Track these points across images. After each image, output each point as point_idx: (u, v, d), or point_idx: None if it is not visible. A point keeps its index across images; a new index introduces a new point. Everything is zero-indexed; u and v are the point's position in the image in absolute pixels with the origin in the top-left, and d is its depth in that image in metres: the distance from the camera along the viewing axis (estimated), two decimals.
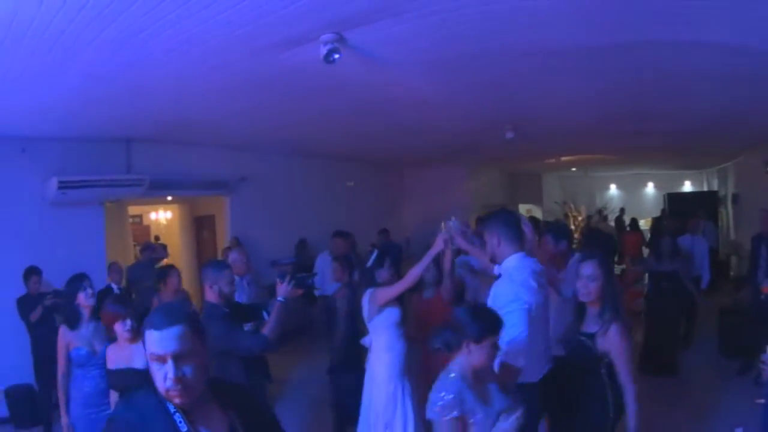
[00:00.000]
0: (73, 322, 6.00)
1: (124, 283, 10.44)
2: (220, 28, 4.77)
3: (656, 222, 21.11)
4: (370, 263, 6.68)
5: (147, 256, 11.90)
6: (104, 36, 4.74)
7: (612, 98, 8.63)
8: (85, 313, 5.96)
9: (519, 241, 4.80)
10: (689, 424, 7.38)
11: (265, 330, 5.25)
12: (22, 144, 9.25)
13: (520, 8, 4.84)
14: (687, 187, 27.00)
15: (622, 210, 25.28)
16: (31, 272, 8.72)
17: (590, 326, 4.54)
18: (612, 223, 23.75)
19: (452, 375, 3.59)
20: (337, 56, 5.21)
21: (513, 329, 4.18)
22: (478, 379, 3.69)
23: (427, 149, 13.97)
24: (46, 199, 9.50)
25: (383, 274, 6.47)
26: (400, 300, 6.51)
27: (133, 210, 16.07)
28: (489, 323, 3.71)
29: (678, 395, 8.15)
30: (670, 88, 7.99)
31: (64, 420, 6.04)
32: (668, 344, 9.75)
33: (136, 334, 5.27)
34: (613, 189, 28.40)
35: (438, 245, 5.95)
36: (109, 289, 9.56)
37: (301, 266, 12.27)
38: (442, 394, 3.52)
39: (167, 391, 2.46)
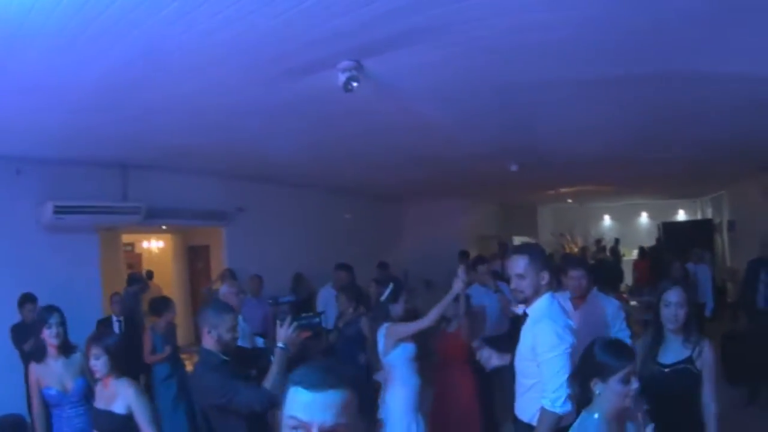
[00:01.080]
0: (38, 356, 5.66)
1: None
2: (238, 52, 4.72)
3: (654, 251, 21.19)
4: (384, 297, 6.57)
5: (135, 288, 11.73)
6: (113, 54, 4.65)
7: (620, 127, 8.62)
8: (51, 349, 5.58)
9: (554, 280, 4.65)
10: None
11: (266, 383, 4.58)
12: (16, 165, 9.09)
13: (535, 41, 4.83)
14: (681, 215, 27.09)
15: (617, 240, 25.37)
16: (26, 300, 8.53)
17: (669, 356, 4.46)
18: (608, 254, 23.79)
19: (596, 416, 3.43)
20: (355, 84, 5.14)
21: (561, 374, 4.08)
22: (620, 417, 3.53)
23: (429, 181, 13.94)
24: (41, 223, 9.34)
25: (397, 309, 6.47)
26: (414, 335, 6.40)
27: (125, 238, 15.90)
28: (630, 356, 3.57)
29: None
30: (681, 117, 8.01)
31: None
32: None
33: (113, 373, 4.95)
34: (607, 219, 28.47)
35: (457, 287, 5.92)
36: (108, 319, 9.45)
37: (301, 303, 12.16)
38: None
39: None
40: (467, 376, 7.04)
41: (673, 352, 4.44)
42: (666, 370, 4.38)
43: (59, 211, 9.05)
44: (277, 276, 12.50)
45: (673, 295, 4.45)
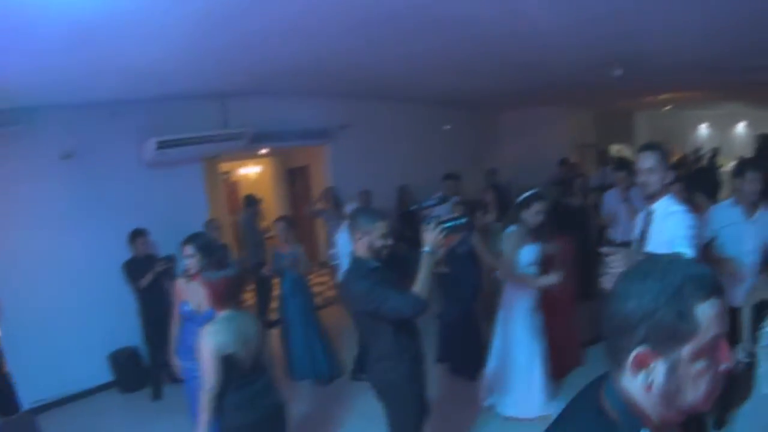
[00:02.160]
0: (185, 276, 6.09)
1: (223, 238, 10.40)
2: None
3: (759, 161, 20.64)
4: (520, 200, 6.61)
5: (252, 210, 11.96)
6: None
7: (728, 33, 8.35)
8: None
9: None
10: None
11: (415, 288, 4.54)
12: (116, 107, 9.20)
13: None
14: None
15: (715, 150, 24.72)
16: (138, 234, 8.76)
17: None
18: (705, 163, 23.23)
19: None
20: None
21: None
22: None
23: (530, 89, 13.69)
24: (145, 160, 9.51)
25: (529, 215, 6.50)
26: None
27: (222, 166, 16.07)
28: None
29: None
30: None
31: (174, 364, 6.30)
32: None
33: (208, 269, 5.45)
34: (703, 128, 27.80)
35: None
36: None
37: (406, 213, 12.20)
38: None
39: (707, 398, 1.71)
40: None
41: None
42: None
43: (162, 145, 9.15)
44: (381, 189, 12.56)
45: None
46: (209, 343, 4.45)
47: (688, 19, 7.31)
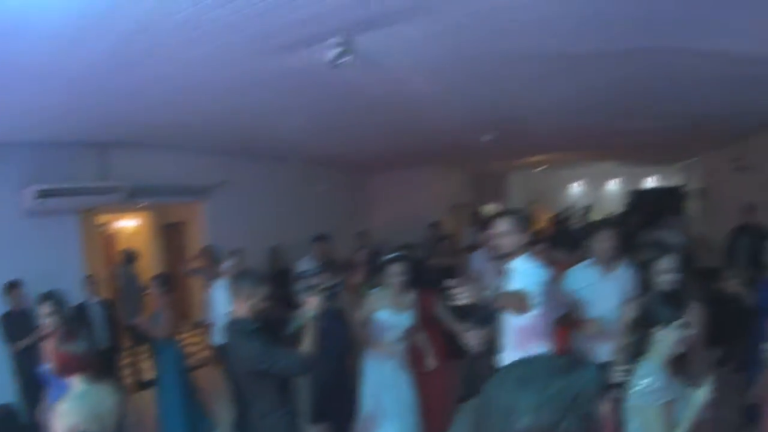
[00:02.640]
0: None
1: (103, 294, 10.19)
2: (230, 29, 4.77)
3: (621, 218, 21.49)
4: (381, 262, 6.90)
5: (132, 266, 11.83)
6: (106, 37, 4.72)
7: (594, 99, 8.76)
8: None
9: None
10: None
11: (303, 348, 4.98)
12: None
13: (516, 19, 5.00)
14: (651, 182, 27.30)
15: (588, 208, 25.53)
16: (12, 286, 8.54)
17: None
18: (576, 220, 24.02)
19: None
20: (344, 60, 5.27)
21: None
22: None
23: (406, 150, 14.03)
24: (22, 208, 9.22)
25: (390, 278, 6.74)
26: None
27: (99, 218, 15.75)
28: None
29: None
30: (654, 90, 8.18)
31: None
32: None
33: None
34: (577, 186, 28.63)
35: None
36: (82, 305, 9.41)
37: (278, 273, 12.29)
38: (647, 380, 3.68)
39: None
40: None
41: None
42: None
43: (42, 194, 8.96)
44: (256, 249, 12.53)
45: (667, 262, 4.97)
46: (60, 425, 4.32)
47: (557, 86, 7.64)
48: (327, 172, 16.81)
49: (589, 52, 6.06)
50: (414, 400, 6.92)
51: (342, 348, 8.27)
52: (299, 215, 15.04)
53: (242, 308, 5.01)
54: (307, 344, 4.99)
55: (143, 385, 10.31)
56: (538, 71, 6.84)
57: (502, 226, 5.11)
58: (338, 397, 8.21)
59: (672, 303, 3.96)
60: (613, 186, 28.36)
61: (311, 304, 5.12)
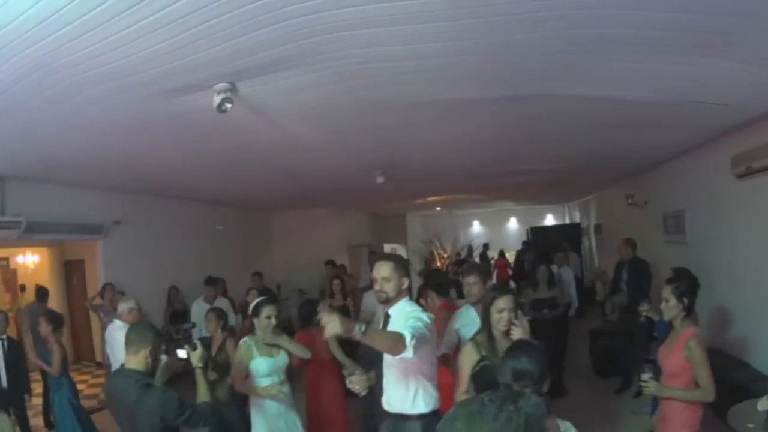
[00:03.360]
0: None
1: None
2: (121, 73, 4.80)
3: (519, 254, 21.92)
4: (251, 309, 6.91)
5: (43, 303, 11.61)
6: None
7: (484, 145, 8.95)
8: None
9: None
10: None
11: (201, 402, 4.93)
12: None
13: (400, 69, 5.10)
14: (549, 220, 27.95)
15: (486, 245, 25.98)
16: None
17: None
18: (477, 259, 24.49)
19: None
20: (229, 106, 5.30)
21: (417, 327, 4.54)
22: None
23: (299, 193, 14.11)
24: None
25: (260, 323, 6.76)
26: None
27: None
28: None
29: (571, 414, 8.58)
30: (544, 134, 8.38)
31: None
32: (555, 368, 10.04)
33: None
34: (476, 225, 29.09)
35: None
36: None
37: (176, 313, 12.22)
38: None
39: None
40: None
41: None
42: None
43: None
44: (154, 287, 12.48)
45: (505, 302, 4.87)
46: None
47: (445, 131, 7.79)
48: (227, 210, 16.87)
49: (476, 99, 6.19)
50: None
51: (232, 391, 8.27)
52: (197, 254, 15.01)
53: (140, 360, 4.76)
54: (202, 394, 4.99)
55: (51, 425, 10.03)
56: (424, 117, 6.96)
57: (383, 270, 4.98)
58: None
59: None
60: (513, 224, 28.88)
61: (196, 357, 5.11)
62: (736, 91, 6.15)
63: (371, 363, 5.51)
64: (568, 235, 21.97)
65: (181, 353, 5.22)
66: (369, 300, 10.18)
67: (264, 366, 6.61)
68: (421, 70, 5.19)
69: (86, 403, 9.56)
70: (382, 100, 6.09)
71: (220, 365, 7.73)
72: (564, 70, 5.36)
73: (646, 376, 5.16)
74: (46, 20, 3.68)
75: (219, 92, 5.22)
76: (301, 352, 6.82)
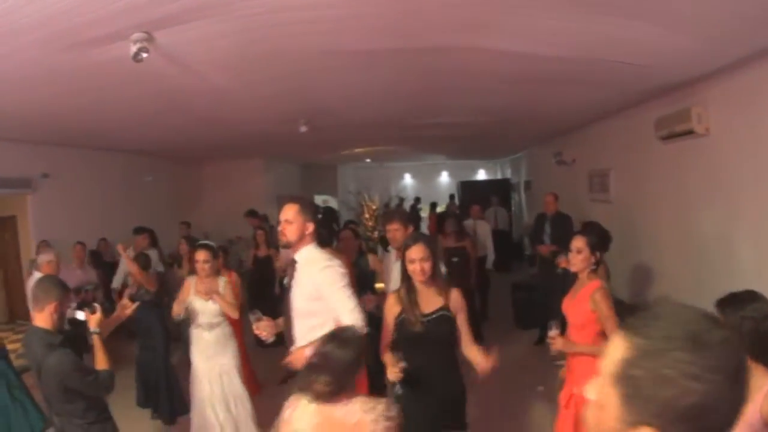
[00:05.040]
0: None
1: None
2: (37, 26, 4.80)
3: (447, 207, 22.14)
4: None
5: None
6: None
7: (402, 95, 9.00)
8: None
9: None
10: (500, 387, 8.00)
11: (101, 365, 4.73)
12: None
13: (311, 17, 5.13)
14: (481, 175, 28.12)
15: (417, 199, 26.15)
16: None
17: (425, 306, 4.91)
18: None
19: None
20: (145, 55, 5.27)
21: (353, 299, 4.74)
22: None
23: (226, 142, 14.08)
24: None
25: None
26: None
27: None
28: None
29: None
30: (456, 86, 8.41)
31: None
32: (470, 316, 10.31)
33: None
34: (407, 178, 29.23)
35: None
36: None
37: (105, 264, 12.18)
38: None
39: None
40: None
41: (428, 302, 4.86)
42: (425, 319, 4.76)
43: None
44: (86, 243, 11.99)
45: (415, 252, 4.83)
46: None
47: (358, 79, 7.81)
48: (155, 161, 16.79)
49: (388, 49, 6.24)
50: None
51: (163, 335, 8.42)
52: (127, 206, 14.93)
53: (46, 318, 4.63)
54: (100, 361, 4.78)
55: None
56: (338, 66, 6.98)
57: (287, 213, 4.91)
58: (164, 385, 8.35)
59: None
60: (444, 178, 29.06)
61: (93, 321, 4.93)
62: (650, 53, 6.32)
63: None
64: (498, 191, 22.20)
65: (80, 315, 4.99)
66: (285, 250, 10.26)
67: (197, 305, 6.88)
68: (326, 20, 5.23)
69: (20, 362, 9.54)
70: (292, 49, 6.13)
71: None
72: (474, 23, 5.41)
73: (553, 333, 5.27)
74: None
75: (135, 41, 5.20)
76: (228, 309, 6.93)
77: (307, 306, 4.84)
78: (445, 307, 4.83)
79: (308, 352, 4.37)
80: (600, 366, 1.52)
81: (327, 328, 4.50)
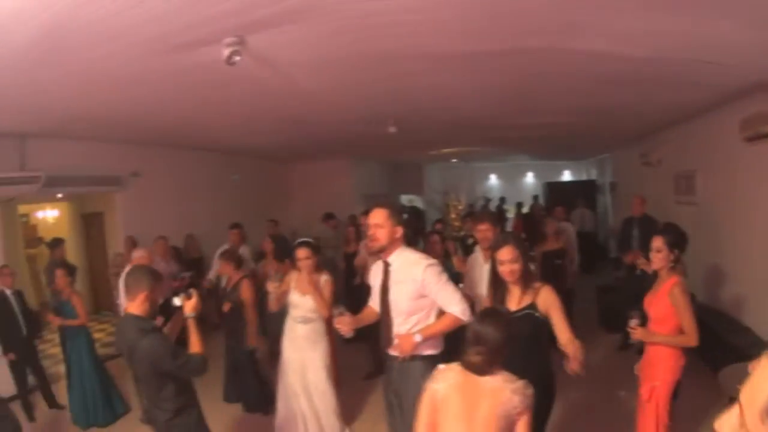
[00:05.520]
0: None
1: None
2: (134, 30, 4.95)
3: (531, 209, 21.98)
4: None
5: (58, 253, 11.84)
6: (21, 36, 4.86)
7: (493, 96, 8.96)
8: None
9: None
10: (581, 391, 8.00)
11: (195, 350, 5.02)
12: None
13: (405, 21, 5.15)
14: (566, 176, 27.82)
15: (503, 199, 26.01)
16: None
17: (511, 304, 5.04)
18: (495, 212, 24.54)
19: None
20: (237, 59, 5.38)
21: (457, 291, 5.00)
22: None
23: (314, 142, 14.20)
24: None
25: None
26: None
27: (20, 209, 15.60)
28: None
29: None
30: (549, 87, 8.38)
31: None
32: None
33: None
34: (493, 179, 29.08)
35: None
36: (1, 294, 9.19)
37: (192, 260, 12.44)
38: None
39: None
40: None
41: (516, 300, 5.01)
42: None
43: None
44: (172, 237, 12.41)
45: (505, 253, 4.96)
46: None
47: (452, 82, 7.80)
48: (243, 160, 17.03)
49: (479, 51, 6.23)
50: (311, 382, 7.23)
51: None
52: (214, 204, 15.22)
53: (139, 306, 4.92)
54: (194, 344, 5.06)
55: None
56: (428, 68, 6.99)
57: (376, 218, 5.10)
58: (254, 378, 8.54)
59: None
60: (529, 179, 28.84)
61: (189, 307, 5.17)
62: (735, 52, 6.24)
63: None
64: (584, 192, 21.92)
65: (176, 301, 5.24)
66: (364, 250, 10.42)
67: (294, 299, 7.14)
68: (418, 24, 5.26)
69: (105, 351, 9.81)
70: (384, 52, 6.17)
71: (233, 302, 8.29)
72: (565, 25, 5.41)
73: (633, 323, 5.41)
74: None
75: (228, 45, 5.32)
76: (321, 305, 7.05)
77: (411, 305, 5.04)
78: (533, 306, 4.90)
79: (417, 338, 4.79)
80: (744, 401, 1.56)
81: (429, 321, 4.95)
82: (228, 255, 8.76)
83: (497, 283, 5.09)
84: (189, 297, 5.16)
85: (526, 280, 4.98)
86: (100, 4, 4.25)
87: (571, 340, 4.77)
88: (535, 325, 4.87)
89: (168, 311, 5.69)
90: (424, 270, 4.95)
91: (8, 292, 9.09)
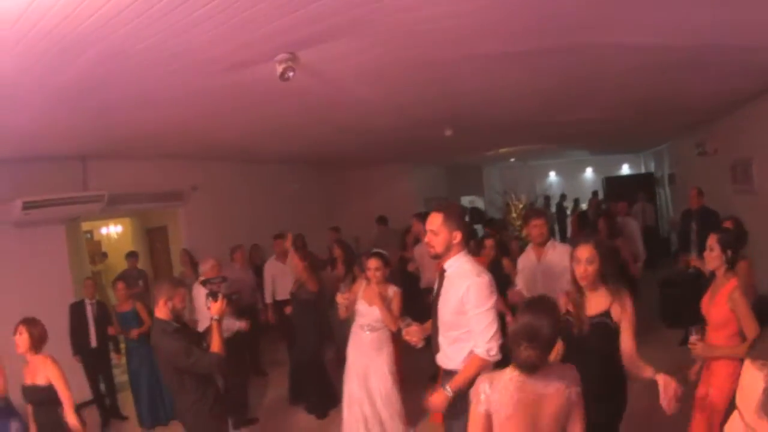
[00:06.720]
0: None
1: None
2: (189, 52, 5.14)
3: (590, 205, 21.84)
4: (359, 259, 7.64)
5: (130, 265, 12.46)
6: (81, 62, 5.05)
7: (545, 93, 8.98)
8: None
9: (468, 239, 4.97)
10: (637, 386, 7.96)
11: (214, 348, 5.43)
12: None
13: (449, 26, 5.25)
14: (625, 169, 27.58)
15: (563, 196, 25.86)
16: None
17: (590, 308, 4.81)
18: (553, 209, 24.61)
19: None
20: (291, 74, 5.51)
21: (492, 326, 4.58)
22: None
23: (370, 149, 14.38)
24: (9, 220, 9.42)
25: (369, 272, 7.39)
26: None
27: (84, 225, 15.97)
28: None
29: None
30: (600, 82, 8.42)
31: None
32: None
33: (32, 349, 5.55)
34: (552, 176, 28.91)
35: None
36: (81, 302, 9.55)
37: (257, 269, 12.62)
38: None
39: None
40: None
41: (592, 304, 4.76)
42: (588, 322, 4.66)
43: (28, 206, 9.17)
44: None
45: (581, 251, 4.78)
46: None
47: (502, 82, 7.94)
48: (301, 170, 17.22)
49: (528, 50, 6.30)
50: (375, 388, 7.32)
51: (317, 334, 8.73)
52: (275, 213, 15.32)
53: (163, 310, 5.52)
54: (215, 345, 5.44)
55: None
56: (479, 69, 7.07)
57: (432, 223, 4.81)
58: (316, 381, 8.69)
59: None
60: (588, 174, 28.62)
61: (214, 309, 5.58)
62: None
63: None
64: (643, 185, 21.49)
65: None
66: (418, 250, 10.68)
67: (361, 308, 7.24)
68: (467, 27, 5.33)
69: None
70: (433, 57, 6.25)
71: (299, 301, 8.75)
72: (600, 20, 5.46)
73: (693, 338, 5.18)
74: (123, 11, 3.99)
75: (281, 62, 5.48)
76: (388, 319, 7.07)
77: (451, 319, 4.78)
78: (606, 313, 4.67)
79: (448, 392, 4.54)
80: (740, 404, 1.65)
81: (471, 344, 4.62)
82: (304, 256, 8.99)
83: (576, 284, 4.90)
84: (215, 300, 5.58)
85: (604, 284, 4.77)
86: (159, 27, 4.43)
87: (637, 361, 4.57)
88: (608, 333, 4.64)
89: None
90: (468, 288, 4.62)
91: (87, 301, 9.46)
